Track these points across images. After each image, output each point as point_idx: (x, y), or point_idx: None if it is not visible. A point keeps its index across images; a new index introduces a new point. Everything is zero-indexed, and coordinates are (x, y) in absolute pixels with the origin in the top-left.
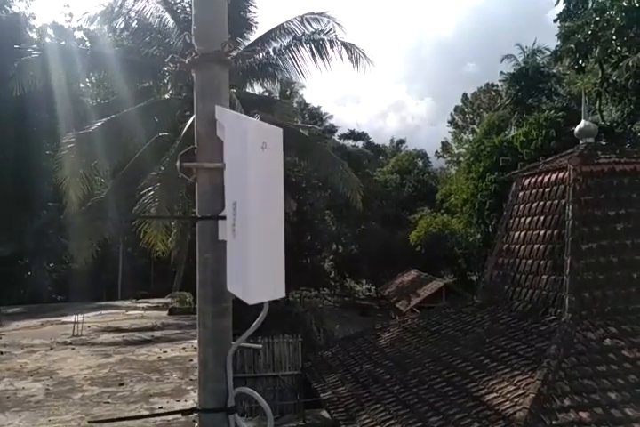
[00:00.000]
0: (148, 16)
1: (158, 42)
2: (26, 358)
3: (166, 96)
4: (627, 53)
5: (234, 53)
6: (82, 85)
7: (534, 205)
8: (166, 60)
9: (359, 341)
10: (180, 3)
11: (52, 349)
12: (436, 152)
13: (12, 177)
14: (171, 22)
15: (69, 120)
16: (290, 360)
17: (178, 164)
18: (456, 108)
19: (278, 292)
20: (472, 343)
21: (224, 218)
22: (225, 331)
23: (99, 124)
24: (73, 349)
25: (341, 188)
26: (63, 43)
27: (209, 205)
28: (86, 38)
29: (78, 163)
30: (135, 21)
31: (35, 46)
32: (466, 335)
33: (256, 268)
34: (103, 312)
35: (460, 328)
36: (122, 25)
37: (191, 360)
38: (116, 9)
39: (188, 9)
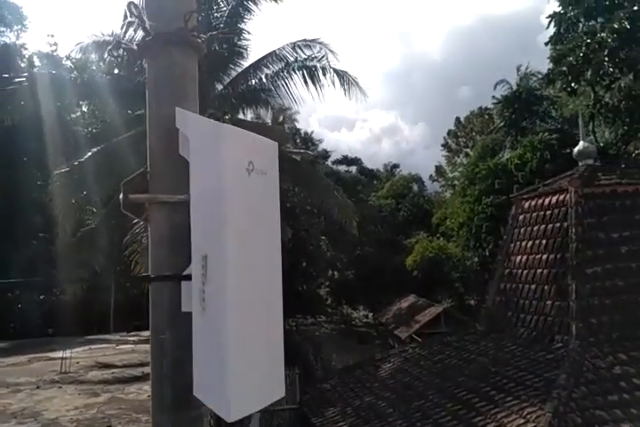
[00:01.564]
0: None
1: None
2: (10, 399)
3: None
4: (619, 75)
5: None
6: (73, 115)
7: (535, 228)
8: (109, 48)
9: (359, 372)
10: None
11: (38, 387)
12: (431, 176)
13: (1, 208)
14: None
15: (60, 149)
16: (287, 394)
17: (121, 196)
18: (449, 132)
19: (275, 392)
20: (477, 373)
21: (189, 279)
22: None
23: (90, 153)
24: (60, 387)
25: (336, 213)
26: (54, 72)
27: (167, 257)
28: (74, 67)
29: (71, 193)
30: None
31: (25, 75)
32: (470, 365)
33: (238, 363)
34: (93, 347)
35: (464, 357)
36: (114, 53)
37: None
38: (115, 40)
39: None
